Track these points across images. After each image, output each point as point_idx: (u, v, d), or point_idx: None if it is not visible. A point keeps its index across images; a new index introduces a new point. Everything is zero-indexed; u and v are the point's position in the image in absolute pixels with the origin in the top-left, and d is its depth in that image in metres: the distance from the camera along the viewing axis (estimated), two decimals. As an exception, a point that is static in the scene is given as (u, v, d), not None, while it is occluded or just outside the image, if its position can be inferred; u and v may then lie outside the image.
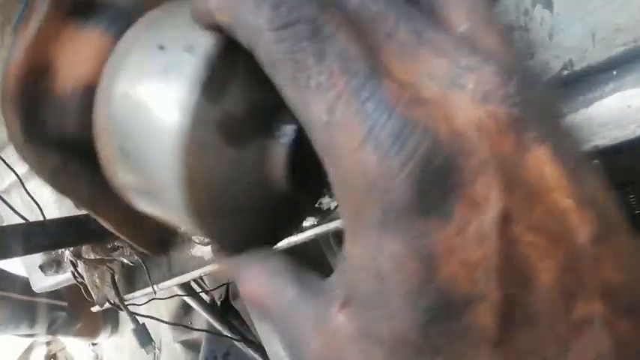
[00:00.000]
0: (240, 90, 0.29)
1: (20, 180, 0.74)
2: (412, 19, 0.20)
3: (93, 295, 0.76)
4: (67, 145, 0.41)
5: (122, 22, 0.39)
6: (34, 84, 0.39)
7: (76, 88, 0.39)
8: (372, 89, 0.18)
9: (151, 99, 0.29)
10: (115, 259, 0.72)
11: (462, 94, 0.18)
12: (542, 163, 0.18)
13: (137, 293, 0.76)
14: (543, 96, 0.20)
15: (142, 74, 0.30)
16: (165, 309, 1.80)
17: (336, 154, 0.19)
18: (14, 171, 0.73)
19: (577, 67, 0.39)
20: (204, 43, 0.28)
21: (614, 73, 0.38)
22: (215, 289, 1.53)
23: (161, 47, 0.30)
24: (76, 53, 0.39)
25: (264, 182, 0.32)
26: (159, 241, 0.51)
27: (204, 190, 0.29)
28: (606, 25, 0.38)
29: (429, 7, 0.23)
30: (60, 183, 0.42)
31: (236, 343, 1.47)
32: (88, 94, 0.38)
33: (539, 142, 0.18)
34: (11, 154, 0.89)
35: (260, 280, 0.27)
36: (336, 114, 0.18)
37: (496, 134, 0.18)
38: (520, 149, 0.18)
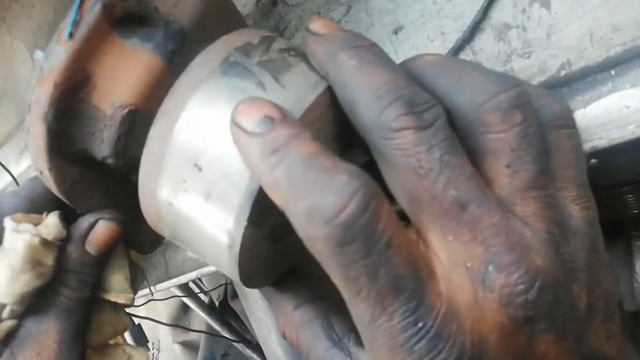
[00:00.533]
0: None
1: (16, 181, 0.74)
2: (462, 181, 0.22)
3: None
4: (88, 161, 0.40)
5: (175, 42, 0.37)
6: (71, 96, 0.37)
7: (117, 109, 0.37)
8: (414, 308, 0.21)
9: (198, 219, 0.30)
10: (112, 261, 0.71)
11: (490, 296, 0.21)
12: (547, 347, 0.22)
13: (134, 294, 0.76)
14: (559, 288, 0.22)
15: (183, 191, 0.31)
16: (163, 309, 1.80)
17: (375, 349, 0.22)
18: (9, 172, 0.73)
19: (575, 67, 0.39)
20: (244, 175, 0.28)
21: (612, 72, 0.38)
22: (213, 289, 1.53)
23: (198, 167, 0.30)
24: (120, 70, 0.37)
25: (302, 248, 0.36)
26: (151, 241, 0.51)
27: (252, 270, 0.32)
28: (604, 24, 0.38)
29: (477, 162, 0.24)
30: (74, 196, 0.41)
31: (234, 343, 1.46)
32: (130, 120, 0.37)
33: (546, 332, 0.22)
34: (7, 154, 0.89)
35: (295, 328, 0.32)
36: (379, 322, 0.21)
37: (513, 331, 0.21)
38: (531, 339, 0.22)
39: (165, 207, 0.32)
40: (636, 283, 0.69)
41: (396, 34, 0.46)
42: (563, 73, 0.40)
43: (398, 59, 0.46)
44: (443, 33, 0.44)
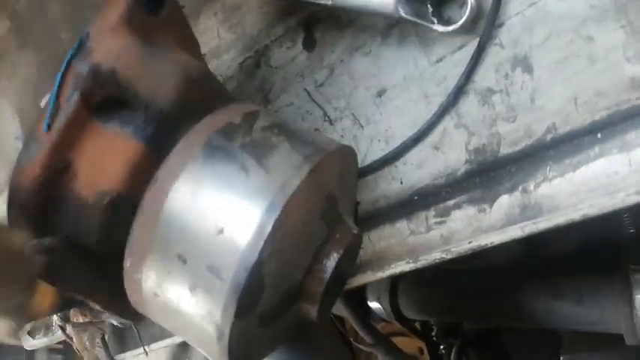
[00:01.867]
0: (270, 292, 0.30)
1: None
2: None
3: (84, 358, 0.74)
4: (72, 246, 0.39)
5: (155, 125, 0.36)
6: (51, 186, 0.36)
7: (99, 198, 0.36)
8: None
9: (184, 311, 0.30)
10: (105, 321, 0.70)
11: None
12: None
13: (128, 354, 0.74)
14: None
15: (168, 283, 0.30)
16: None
17: None
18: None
19: (561, 131, 0.39)
20: (229, 268, 0.28)
21: (599, 136, 0.37)
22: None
23: (182, 259, 0.30)
24: (101, 156, 0.37)
25: (294, 325, 0.35)
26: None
27: (243, 357, 0.33)
28: (588, 88, 0.37)
29: None
30: (61, 280, 0.41)
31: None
32: (113, 208, 0.36)
33: None
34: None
35: None
36: None
37: None
38: None
39: (151, 297, 0.32)
40: (636, 319, 0.68)
41: (380, 96, 0.46)
42: (549, 136, 0.39)
43: (383, 121, 0.46)
44: (426, 96, 0.44)
